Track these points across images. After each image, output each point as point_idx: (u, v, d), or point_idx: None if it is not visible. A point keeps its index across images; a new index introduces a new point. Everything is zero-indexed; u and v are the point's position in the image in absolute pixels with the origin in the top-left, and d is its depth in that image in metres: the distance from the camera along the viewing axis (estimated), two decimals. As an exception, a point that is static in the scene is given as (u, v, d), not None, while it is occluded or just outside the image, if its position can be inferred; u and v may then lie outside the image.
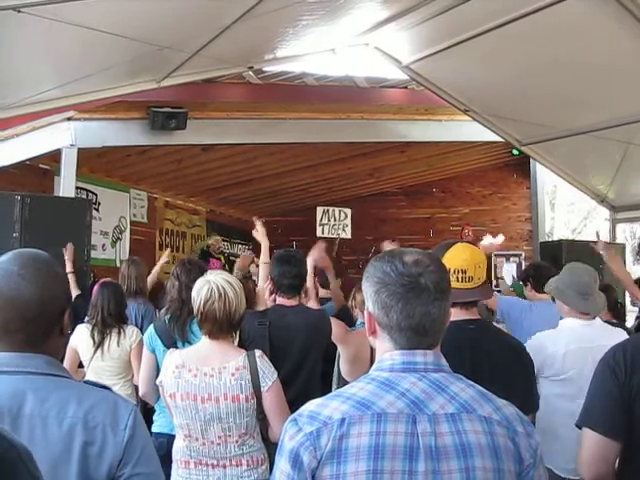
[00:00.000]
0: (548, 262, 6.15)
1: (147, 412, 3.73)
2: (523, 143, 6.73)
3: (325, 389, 3.44)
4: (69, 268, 5.26)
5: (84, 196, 7.55)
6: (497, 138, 6.92)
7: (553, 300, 3.65)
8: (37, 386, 1.42)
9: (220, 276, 2.76)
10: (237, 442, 2.63)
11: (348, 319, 4.15)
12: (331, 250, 5.14)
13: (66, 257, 5.24)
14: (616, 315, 4.55)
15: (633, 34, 4.09)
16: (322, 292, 4.96)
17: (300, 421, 1.38)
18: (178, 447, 2.73)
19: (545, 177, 10.69)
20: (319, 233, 7.91)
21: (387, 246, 3.79)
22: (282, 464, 1.37)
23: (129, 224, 8.88)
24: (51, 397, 1.42)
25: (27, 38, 4.03)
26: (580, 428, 2.06)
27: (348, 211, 7.98)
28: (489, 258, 3.99)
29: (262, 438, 2.72)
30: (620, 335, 3.09)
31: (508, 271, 10.55)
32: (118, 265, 7.80)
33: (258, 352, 2.72)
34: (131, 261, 5.47)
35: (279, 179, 9.63)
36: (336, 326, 3.54)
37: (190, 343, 3.24)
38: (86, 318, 4.43)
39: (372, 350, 1.52)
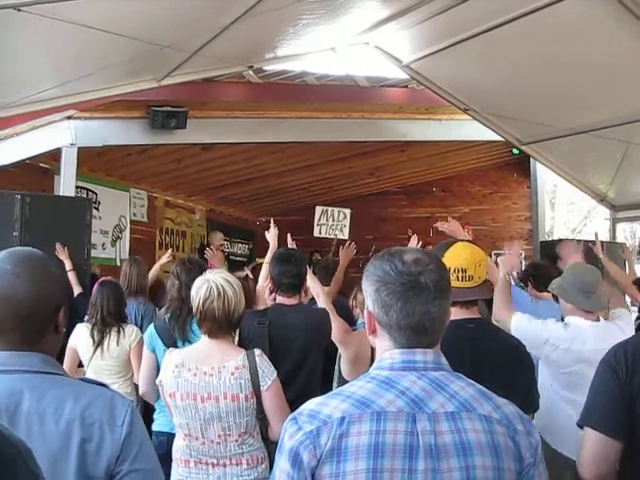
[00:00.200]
0: (548, 261, 6.15)
1: (147, 411, 3.73)
2: (523, 142, 6.72)
3: (326, 387, 3.44)
4: (68, 266, 5.26)
5: (84, 195, 7.55)
6: (497, 137, 6.91)
7: (555, 299, 3.66)
8: (33, 384, 1.42)
9: (219, 275, 2.76)
10: (237, 441, 2.63)
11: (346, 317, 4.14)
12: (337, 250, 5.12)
13: (62, 257, 5.24)
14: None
15: (633, 33, 4.09)
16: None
17: (300, 420, 1.38)
18: (178, 446, 2.72)
19: (545, 176, 10.68)
20: (316, 233, 7.84)
21: (441, 226, 3.78)
22: (282, 463, 1.37)
23: (129, 223, 8.88)
24: (48, 395, 1.42)
25: (27, 37, 4.03)
26: (581, 428, 2.06)
27: (347, 211, 7.90)
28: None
29: (262, 437, 2.72)
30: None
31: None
32: (118, 264, 7.81)
33: (257, 351, 2.71)
34: (133, 260, 5.49)
35: (279, 178, 9.63)
36: (336, 327, 3.53)
37: (190, 342, 3.24)
38: (86, 317, 4.43)
39: (373, 350, 1.52)
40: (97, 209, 7.88)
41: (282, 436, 1.40)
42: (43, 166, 7.11)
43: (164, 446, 3.10)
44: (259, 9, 3.88)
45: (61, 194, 6.00)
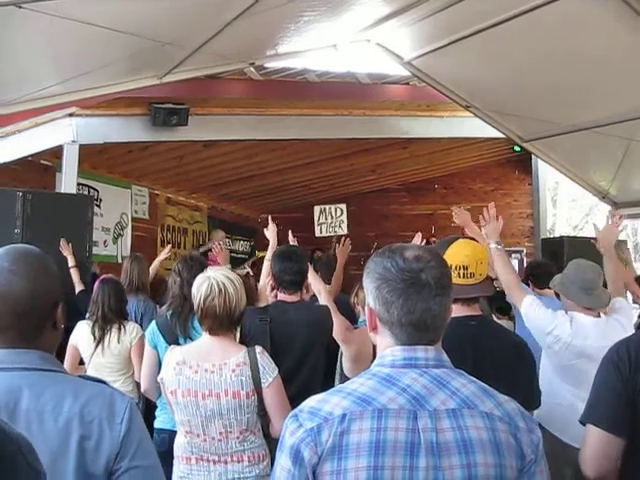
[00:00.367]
0: (549, 259, 6.15)
1: (149, 408, 3.74)
2: (525, 139, 6.71)
3: (327, 384, 3.43)
4: (71, 263, 5.26)
5: (85, 192, 7.54)
6: (499, 134, 6.90)
7: (557, 296, 3.67)
8: (32, 382, 1.42)
9: (220, 272, 2.76)
10: (238, 438, 2.64)
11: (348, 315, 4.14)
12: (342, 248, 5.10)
13: (65, 253, 5.24)
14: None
15: (634, 29, 4.08)
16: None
17: (301, 417, 1.38)
18: (179, 443, 2.73)
19: (547, 173, 10.67)
20: (317, 233, 7.85)
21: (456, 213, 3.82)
22: (283, 460, 1.37)
23: (130, 220, 8.87)
24: (47, 392, 1.42)
25: (28, 34, 4.02)
26: (584, 424, 2.06)
27: (343, 206, 7.94)
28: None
29: (263, 434, 2.72)
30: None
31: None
32: (119, 262, 7.81)
33: (258, 348, 2.71)
34: (134, 257, 5.50)
35: (280, 175, 9.62)
36: (338, 325, 3.53)
37: (192, 339, 3.24)
38: (87, 314, 4.44)
39: (374, 348, 1.52)
40: (98, 206, 7.87)
41: (283, 433, 1.40)
42: (44, 163, 7.11)
43: (166, 443, 3.10)
44: (260, 6, 3.87)
45: (62, 191, 5.99)
